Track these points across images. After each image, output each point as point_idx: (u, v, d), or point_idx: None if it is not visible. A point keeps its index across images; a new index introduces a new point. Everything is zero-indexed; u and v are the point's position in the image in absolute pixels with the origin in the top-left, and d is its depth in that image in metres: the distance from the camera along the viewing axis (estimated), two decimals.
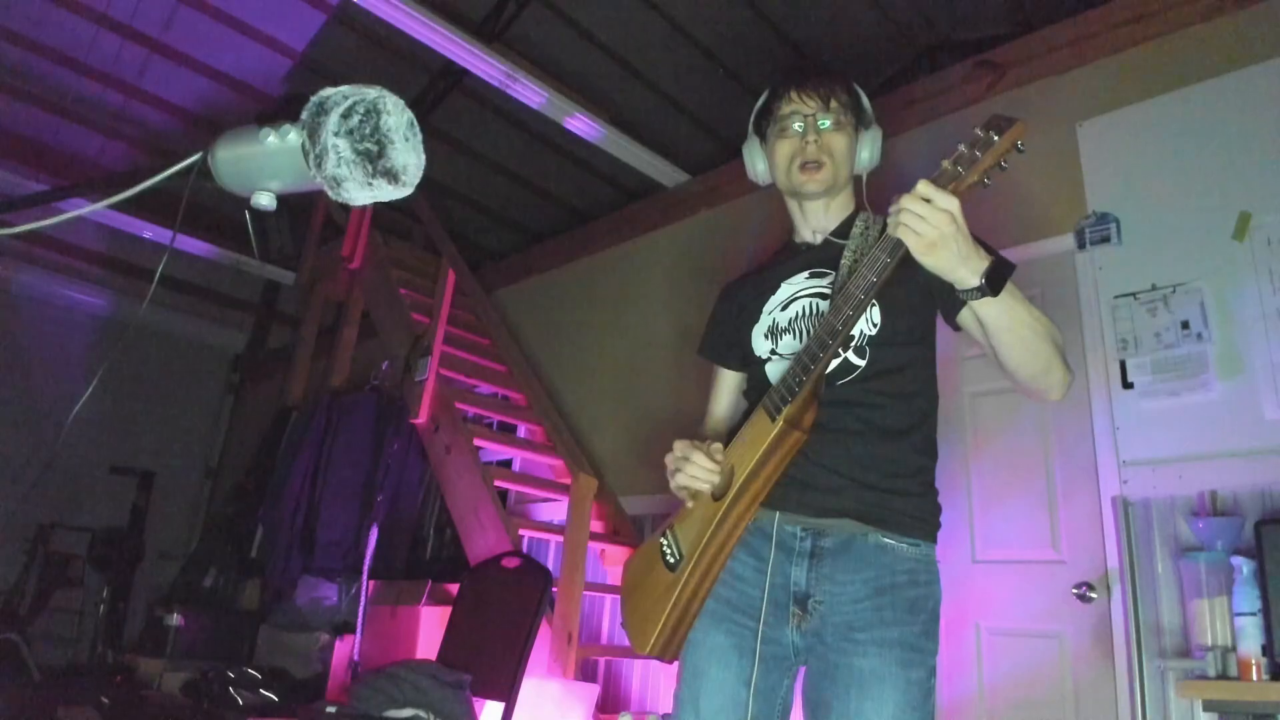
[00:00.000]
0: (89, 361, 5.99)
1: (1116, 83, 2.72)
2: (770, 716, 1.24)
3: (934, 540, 1.25)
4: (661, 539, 1.29)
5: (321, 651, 3.86)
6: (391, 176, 0.75)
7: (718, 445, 1.23)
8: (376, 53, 4.51)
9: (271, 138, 0.77)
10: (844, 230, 1.37)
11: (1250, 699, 1.91)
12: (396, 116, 0.75)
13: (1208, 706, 2.04)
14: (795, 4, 3.97)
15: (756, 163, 1.44)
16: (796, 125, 1.35)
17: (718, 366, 1.51)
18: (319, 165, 0.73)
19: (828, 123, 1.34)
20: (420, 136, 0.78)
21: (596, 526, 3.66)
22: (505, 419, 4.34)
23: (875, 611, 1.17)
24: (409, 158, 0.76)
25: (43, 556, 5.45)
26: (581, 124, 4.00)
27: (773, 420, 1.17)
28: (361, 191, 0.75)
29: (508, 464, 4.40)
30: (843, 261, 1.28)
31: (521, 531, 3.47)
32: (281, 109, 0.77)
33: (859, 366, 1.25)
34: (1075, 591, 2.42)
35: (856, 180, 1.43)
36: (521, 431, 4.39)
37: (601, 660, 3.51)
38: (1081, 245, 2.63)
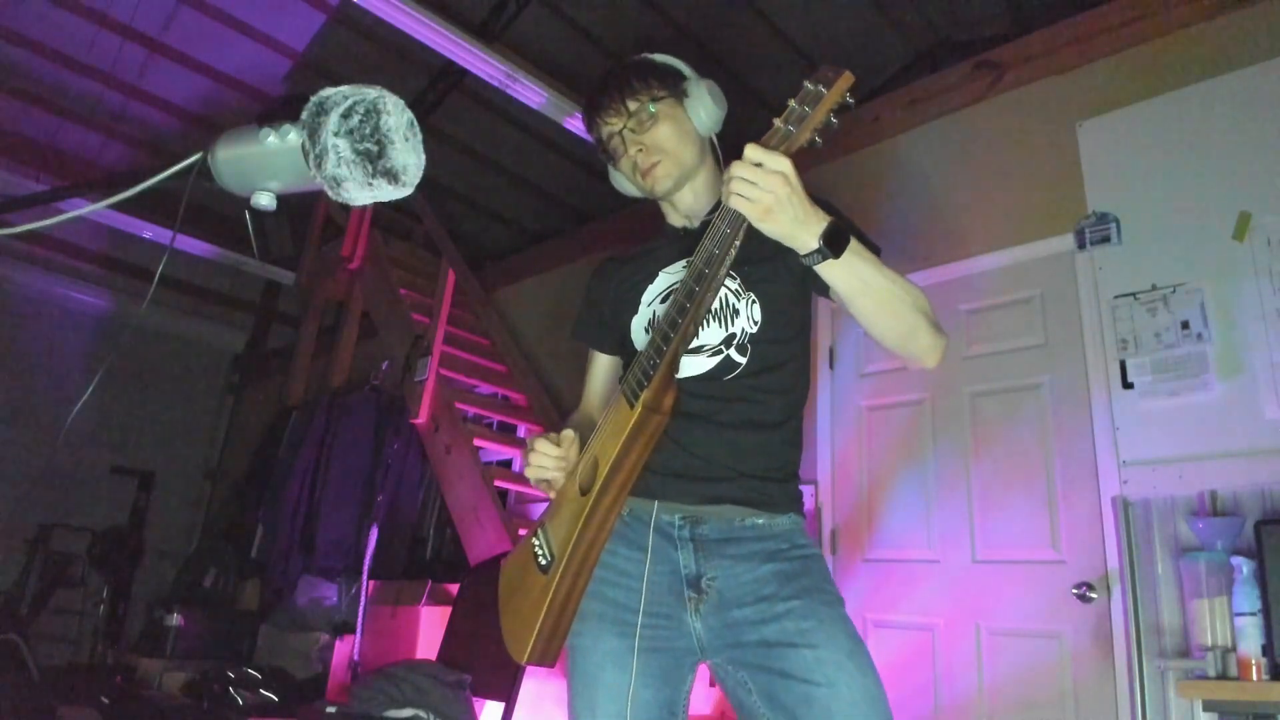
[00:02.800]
0: (89, 361, 5.99)
1: (1116, 83, 2.72)
2: (674, 714, 1.20)
3: (802, 515, 1.27)
4: (534, 540, 1.24)
5: (321, 651, 3.86)
6: (391, 176, 0.75)
7: (568, 432, 1.20)
8: (376, 53, 4.52)
9: (271, 138, 0.77)
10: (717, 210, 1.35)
11: (1250, 699, 1.91)
12: (396, 116, 0.75)
13: (1208, 706, 2.04)
14: (795, 4, 3.97)
15: (622, 183, 1.41)
16: (617, 145, 1.32)
17: (594, 351, 1.46)
18: (319, 165, 0.73)
19: (638, 126, 1.29)
20: (420, 136, 0.78)
21: None
22: (505, 419, 4.34)
23: (776, 574, 1.16)
24: (409, 158, 0.76)
25: (43, 556, 5.45)
26: (581, 124, 4.00)
27: (631, 406, 1.13)
28: (361, 191, 0.75)
29: (508, 464, 4.40)
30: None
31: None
32: (281, 109, 0.77)
33: (740, 364, 1.24)
34: (1075, 591, 2.42)
35: (714, 145, 1.37)
36: (521, 431, 4.39)
37: None
38: (1081, 245, 2.63)
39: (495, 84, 3.80)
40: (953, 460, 2.81)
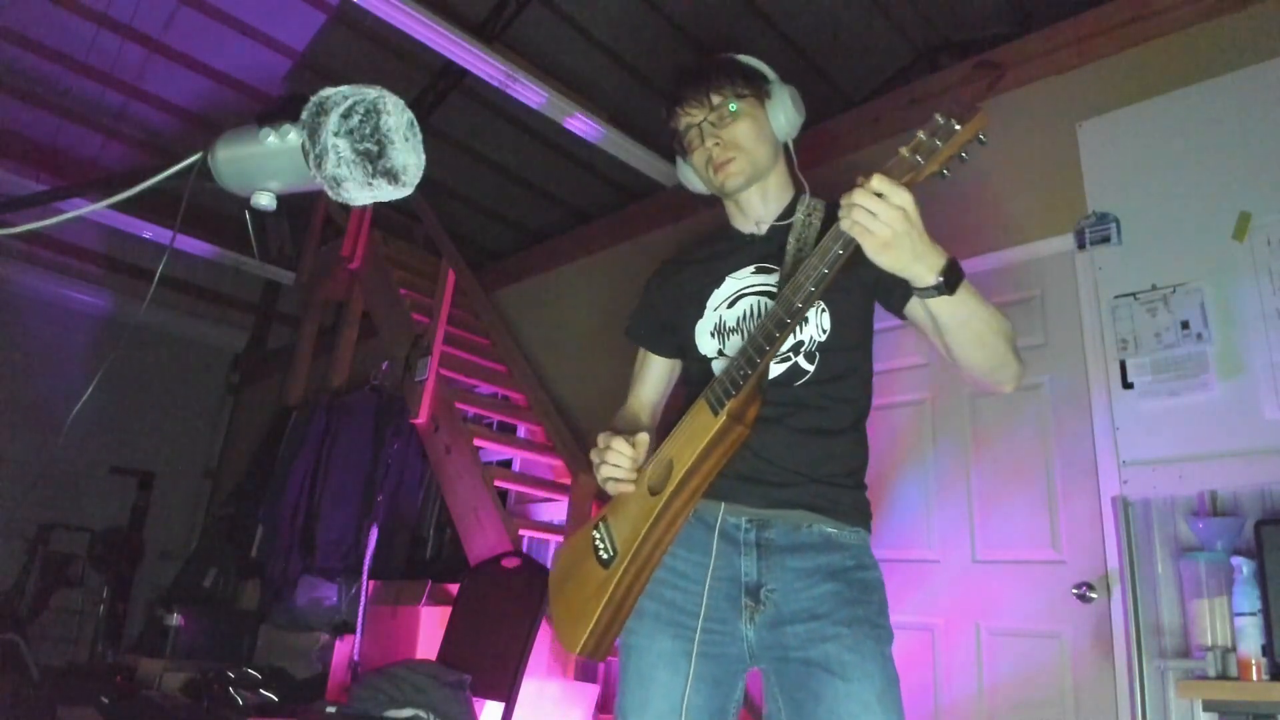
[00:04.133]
0: (89, 361, 5.99)
1: (1116, 83, 2.72)
2: (726, 716, 1.21)
3: (870, 530, 1.27)
4: (594, 532, 1.25)
5: (321, 651, 3.86)
6: (391, 176, 0.75)
7: (643, 436, 1.20)
8: (376, 53, 4.52)
9: (271, 138, 0.77)
10: (787, 216, 1.34)
11: (1250, 699, 1.91)
12: (396, 116, 0.75)
13: (1208, 706, 2.04)
14: (795, 4, 3.97)
15: (690, 177, 1.42)
16: (694, 137, 1.32)
17: (647, 352, 1.46)
18: (319, 165, 0.73)
19: (719, 121, 1.29)
20: (420, 136, 0.78)
21: None
22: (505, 419, 4.34)
23: (834, 595, 1.16)
24: (409, 158, 0.76)
25: (43, 556, 5.46)
26: (581, 124, 4.00)
27: (715, 414, 1.14)
28: (361, 191, 0.75)
29: (508, 464, 4.40)
30: (786, 252, 1.25)
31: (521, 531, 3.47)
32: (281, 109, 0.77)
33: (808, 372, 1.25)
34: (1075, 591, 2.42)
35: (787, 150, 1.38)
36: (521, 431, 4.39)
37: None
38: (1081, 245, 2.63)
39: (495, 84, 3.80)
40: (953, 460, 2.81)
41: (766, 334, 1.10)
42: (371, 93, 0.75)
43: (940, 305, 1.07)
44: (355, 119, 0.73)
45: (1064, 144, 2.77)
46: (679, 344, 1.38)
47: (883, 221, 0.97)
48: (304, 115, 0.74)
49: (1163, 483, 2.32)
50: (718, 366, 1.29)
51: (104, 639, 5.52)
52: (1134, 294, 2.50)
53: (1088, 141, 2.72)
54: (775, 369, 1.25)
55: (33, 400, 5.73)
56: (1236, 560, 1.98)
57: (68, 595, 5.59)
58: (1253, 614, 1.93)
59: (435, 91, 4.71)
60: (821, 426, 1.24)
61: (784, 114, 1.32)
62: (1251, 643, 1.92)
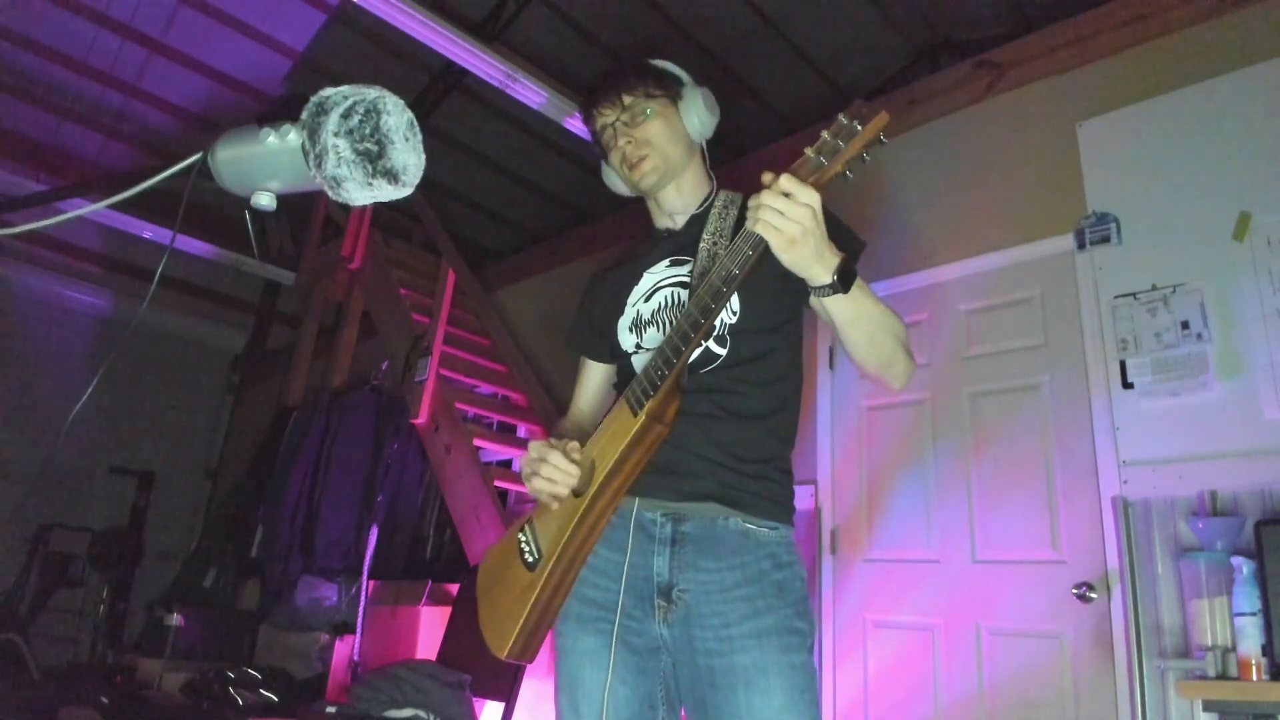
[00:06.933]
0: (89, 361, 5.99)
1: (1116, 83, 2.72)
2: (654, 707, 1.21)
3: (791, 524, 1.25)
4: (519, 535, 1.26)
5: (321, 651, 3.86)
6: (391, 176, 0.75)
7: (574, 444, 1.19)
8: (376, 53, 4.52)
9: (271, 138, 0.77)
10: (704, 210, 1.36)
11: (1250, 699, 1.91)
12: (396, 116, 0.75)
13: (1208, 706, 2.04)
14: (795, 4, 3.97)
15: (613, 180, 1.44)
16: (609, 137, 1.37)
17: (586, 360, 1.49)
18: (319, 165, 0.73)
19: (631, 120, 1.34)
20: (420, 136, 0.78)
21: None
22: (505, 419, 4.34)
23: (745, 602, 1.16)
24: (409, 158, 0.76)
25: (43, 556, 5.45)
26: (581, 124, 4.00)
27: (635, 414, 1.14)
28: (361, 191, 0.75)
29: (508, 464, 4.40)
30: (701, 245, 1.26)
31: None
32: (281, 109, 0.77)
33: (720, 355, 1.25)
34: (1075, 591, 2.42)
35: (703, 150, 1.41)
36: (522, 432, 4.40)
37: None
38: (1081, 245, 2.63)
39: (495, 84, 3.80)
40: (953, 460, 2.81)
41: (682, 334, 1.11)
42: (371, 93, 0.75)
43: (834, 304, 1.11)
44: (355, 119, 0.73)
45: (1064, 144, 2.77)
46: (610, 347, 1.40)
47: (790, 219, 0.99)
48: (304, 115, 0.75)
49: (1163, 483, 2.32)
50: (637, 361, 1.31)
51: (104, 639, 5.51)
52: (1134, 294, 2.50)
53: (1088, 141, 2.72)
54: None
55: (33, 400, 5.73)
56: (1236, 560, 1.98)
57: (68, 595, 5.59)
58: (1253, 614, 1.93)
59: (435, 91, 4.71)
60: (731, 409, 1.23)
61: (697, 115, 1.35)
62: (1251, 643, 1.92)
